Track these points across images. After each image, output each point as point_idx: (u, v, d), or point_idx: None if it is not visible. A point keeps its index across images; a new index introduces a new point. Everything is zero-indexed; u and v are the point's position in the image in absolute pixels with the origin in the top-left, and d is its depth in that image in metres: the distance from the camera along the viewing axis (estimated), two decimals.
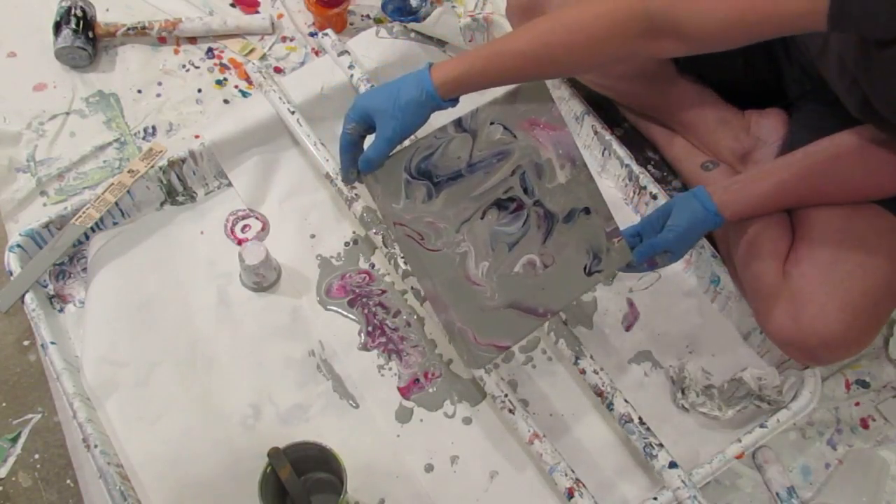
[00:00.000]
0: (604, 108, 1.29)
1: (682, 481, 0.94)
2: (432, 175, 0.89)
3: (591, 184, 0.97)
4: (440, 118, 0.89)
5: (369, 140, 0.88)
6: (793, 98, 1.13)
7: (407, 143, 0.89)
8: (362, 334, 1.12)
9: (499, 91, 0.93)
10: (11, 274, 1.09)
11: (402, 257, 1.09)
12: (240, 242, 1.18)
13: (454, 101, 0.89)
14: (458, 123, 0.91)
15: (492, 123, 0.92)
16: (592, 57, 0.87)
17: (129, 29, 1.37)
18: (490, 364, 1.02)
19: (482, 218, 0.91)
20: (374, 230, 1.13)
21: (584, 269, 0.96)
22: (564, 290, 0.96)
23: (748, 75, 1.15)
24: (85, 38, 1.33)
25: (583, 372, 1.03)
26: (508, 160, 0.93)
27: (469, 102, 0.91)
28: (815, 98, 1.08)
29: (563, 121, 0.96)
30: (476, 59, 0.87)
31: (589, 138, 1.26)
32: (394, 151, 0.87)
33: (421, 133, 0.91)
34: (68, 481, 1.02)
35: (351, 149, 0.89)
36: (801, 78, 1.10)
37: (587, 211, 0.97)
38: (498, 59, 0.87)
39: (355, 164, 0.89)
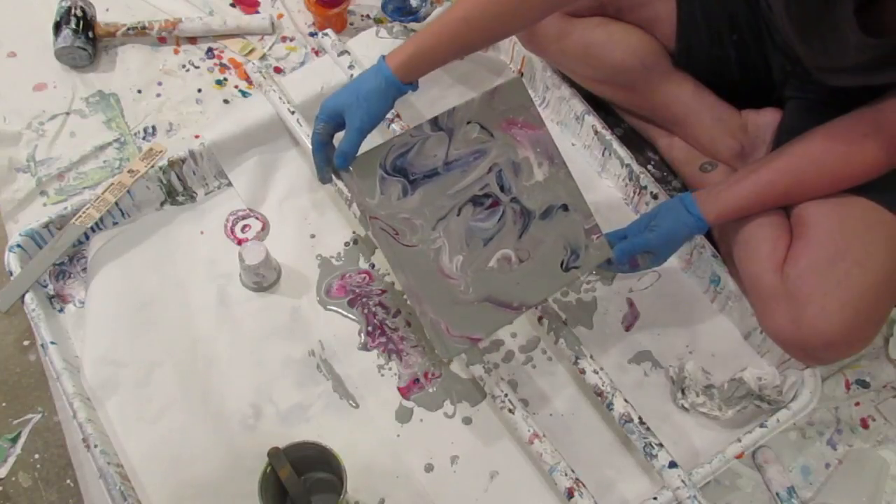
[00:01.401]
0: (604, 108, 1.29)
1: (682, 481, 0.94)
2: (408, 172, 0.91)
3: (569, 181, 0.98)
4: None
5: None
6: (778, 82, 1.14)
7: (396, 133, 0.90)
8: (362, 334, 1.12)
9: (476, 90, 0.95)
10: (11, 274, 1.09)
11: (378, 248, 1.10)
12: (240, 242, 1.18)
13: (414, 86, 0.92)
14: (435, 122, 0.92)
15: (468, 123, 0.93)
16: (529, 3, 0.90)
17: (129, 29, 1.37)
18: (461, 353, 1.00)
19: (458, 215, 0.92)
20: None
21: (561, 264, 0.97)
22: (540, 285, 0.97)
23: (741, 67, 1.15)
24: (85, 38, 1.33)
25: (583, 372, 1.03)
26: (485, 159, 0.94)
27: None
28: (795, 81, 1.10)
29: (541, 120, 0.97)
30: (424, 36, 0.90)
31: (589, 138, 1.26)
32: (369, 148, 0.90)
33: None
34: (68, 481, 1.02)
35: (323, 148, 0.93)
36: (783, 62, 1.11)
37: (565, 208, 0.98)
38: (444, 31, 0.90)
39: (329, 162, 0.93)
